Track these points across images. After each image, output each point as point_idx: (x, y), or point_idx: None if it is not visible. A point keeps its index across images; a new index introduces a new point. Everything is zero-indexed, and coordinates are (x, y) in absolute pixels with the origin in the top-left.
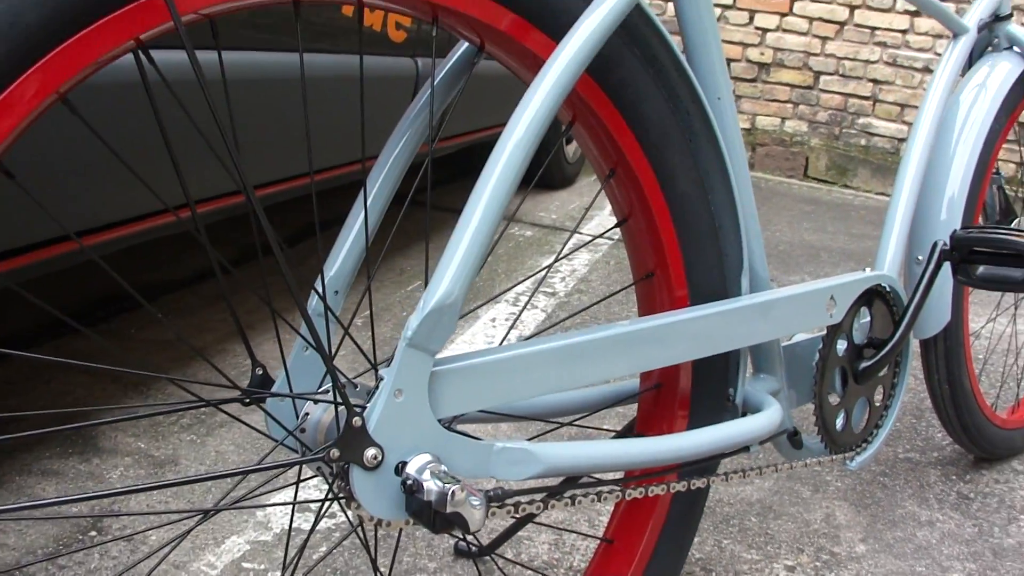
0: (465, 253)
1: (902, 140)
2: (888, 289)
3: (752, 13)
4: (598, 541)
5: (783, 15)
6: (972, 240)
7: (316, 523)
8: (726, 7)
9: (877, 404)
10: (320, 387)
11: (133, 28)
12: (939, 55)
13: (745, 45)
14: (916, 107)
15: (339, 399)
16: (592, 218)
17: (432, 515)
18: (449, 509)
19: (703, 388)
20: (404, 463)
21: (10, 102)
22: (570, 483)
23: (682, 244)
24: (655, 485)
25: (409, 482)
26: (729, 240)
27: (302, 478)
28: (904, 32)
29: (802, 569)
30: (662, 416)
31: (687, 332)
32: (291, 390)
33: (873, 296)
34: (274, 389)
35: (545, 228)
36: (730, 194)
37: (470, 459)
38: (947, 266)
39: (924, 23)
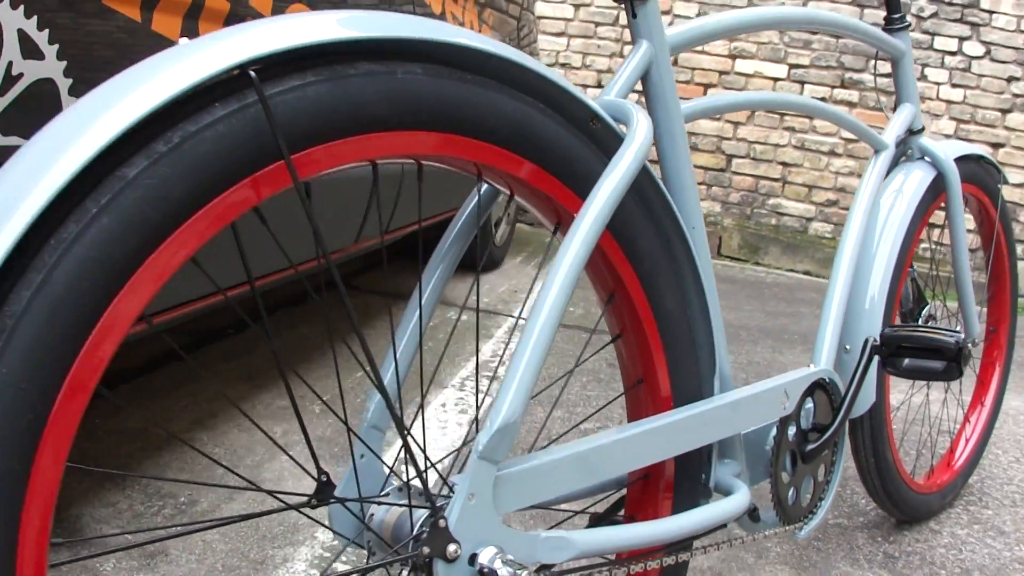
0: (521, 379)
1: (810, 219)
2: (828, 381)
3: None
4: None
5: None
6: (899, 337)
7: None
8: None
9: (820, 480)
10: (382, 491)
11: (258, 193)
12: (843, 139)
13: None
14: (823, 188)
15: (430, 504)
16: (520, 301)
17: None
18: None
19: (684, 475)
20: (475, 555)
21: (155, 264)
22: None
23: (667, 355)
24: (652, 560)
25: (485, 571)
26: (704, 349)
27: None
28: (811, 118)
29: None
30: (650, 500)
31: (681, 429)
32: (360, 494)
33: (816, 388)
34: (341, 493)
35: (481, 312)
36: (705, 310)
37: (523, 548)
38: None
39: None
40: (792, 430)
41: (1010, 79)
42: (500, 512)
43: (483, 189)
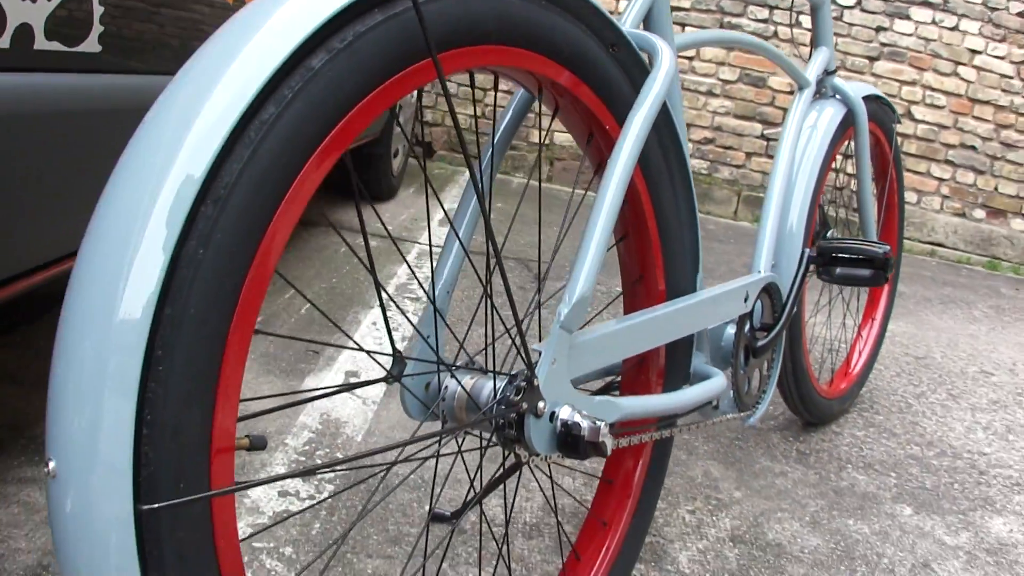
0: (591, 260)
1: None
2: (773, 286)
3: None
4: (598, 481)
5: None
6: (833, 248)
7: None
8: None
9: (764, 373)
10: (454, 363)
11: (411, 84)
12: (720, 80)
13: None
14: (700, 126)
15: (527, 368)
16: (423, 229)
17: (583, 446)
18: (599, 439)
19: (672, 360)
20: (554, 412)
21: (334, 140)
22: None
23: (664, 254)
24: (664, 431)
25: (569, 423)
26: (690, 250)
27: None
28: (691, 59)
29: (700, 511)
30: (643, 383)
31: (689, 312)
32: (439, 367)
33: (764, 291)
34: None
35: (386, 239)
36: (693, 214)
37: (584, 406)
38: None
39: (708, 52)
40: (747, 327)
41: (878, 28)
42: (571, 376)
43: (518, 101)
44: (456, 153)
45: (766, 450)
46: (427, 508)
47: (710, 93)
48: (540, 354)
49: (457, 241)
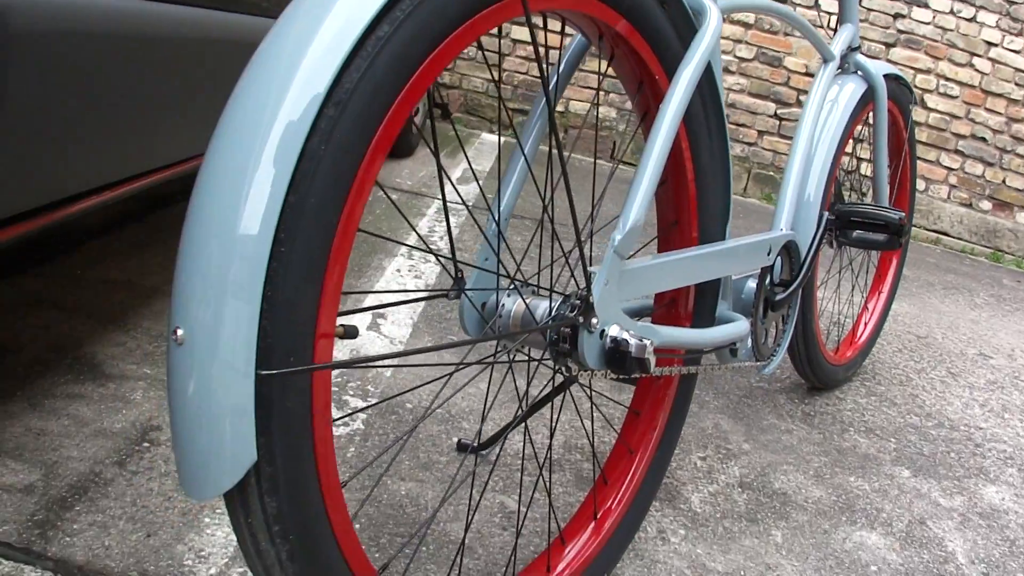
0: (643, 193)
1: None
2: (792, 243)
3: None
4: (627, 411)
5: None
6: (850, 212)
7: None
8: None
9: (780, 327)
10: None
11: (498, 18)
12: (737, 57)
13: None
14: None
15: (584, 287)
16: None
17: (629, 361)
18: (645, 355)
19: (700, 302)
20: (604, 330)
21: (436, 58)
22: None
23: (699, 200)
24: (689, 366)
25: (618, 339)
26: (722, 200)
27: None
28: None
29: (711, 459)
30: (675, 321)
31: (716, 257)
32: (498, 285)
33: (784, 249)
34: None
35: (408, 193)
36: (727, 169)
37: (630, 327)
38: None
39: (726, 30)
40: (768, 281)
41: (896, 15)
42: (621, 299)
43: (575, 45)
44: (471, 116)
45: (773, 409)
46: (455, 440)
47: (726, 70)
48: (594, 275)
49: (522, 158)
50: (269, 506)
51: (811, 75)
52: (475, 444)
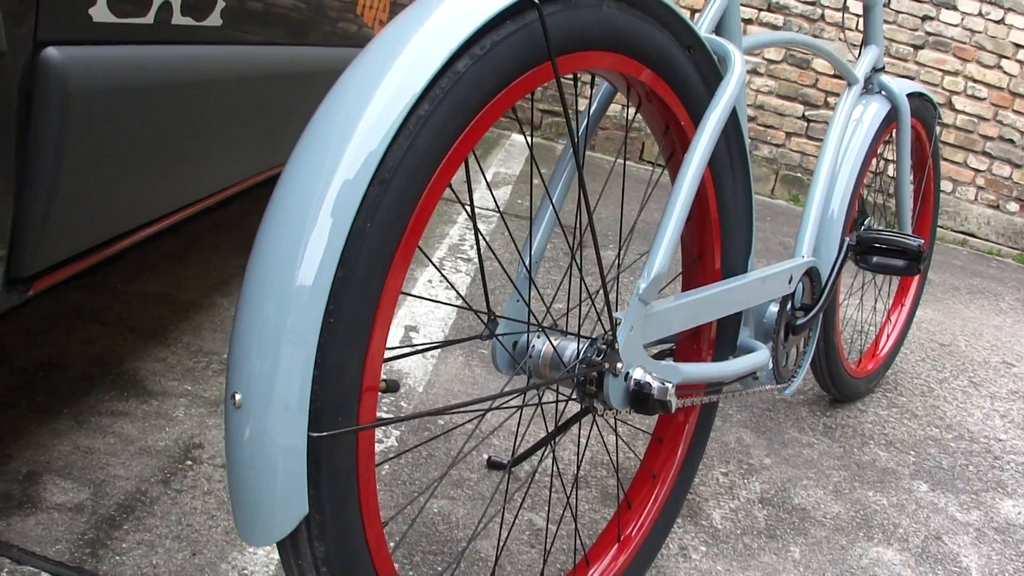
0: (667, 241)
1: None
2: (815, 270)
3: None
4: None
5: None
6: (871, 239)
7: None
8: None
9: (801, 349)
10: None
11: (532, 84)
12: (766, 59)
13: None
14: None
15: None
16: (475, 190)
17: (652, 403)
18: (666, 398)
19: (722, 333)
20: (628, 373)
21: (472, 131)
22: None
23: (722, 235)
24: (711, 396)
25: (642, 383)
26: (744, 233)
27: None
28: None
29: (732, 474)
30: (695, 352)
31: (738, 292)
32: (528, 328)
33: (806, 274)
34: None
35: (441, 199)
36: (749, 205)
37: (653, 369)
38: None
39: (754, 31)
40: (789, 306)
41: (924, 17)
42: (643, 341)
43: (603, 92)
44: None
45: (795, 422)
46: (485, 457)
47: (754, 71)
48: (620, 321)
49: (551, 208)
50: (318, 550)
51: (839, 77)
52: (506, 462)
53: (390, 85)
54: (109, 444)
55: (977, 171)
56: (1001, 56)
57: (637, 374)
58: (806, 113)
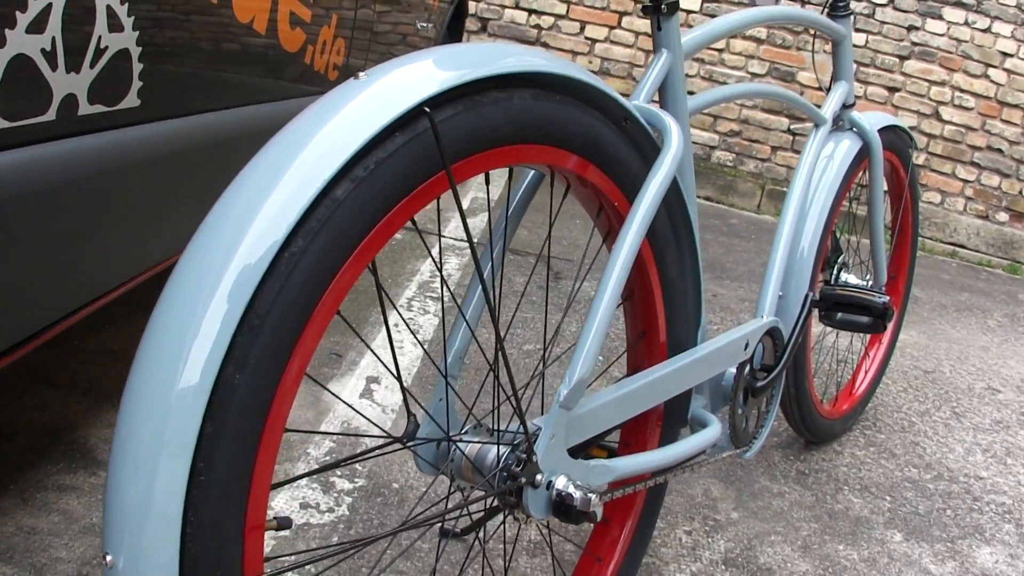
0: (590, 344)
1: (713, 147)
2: (776, 329)
3: (583, 24)
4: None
5: (611, 28)
6: (835, 296)
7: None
8: (559, 16)
9: (763, 410)
10: (462, 429)
11: (429, 196)
12: (749, 72)
13: (575, 53)
14: (727, 118)
15: (526, 444)
16: (448, 221)
17: (575, 514)
18: (590, 509)
19: (671, 409)
20: (551, 482)
21: (353, 263)
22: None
23: (667, 312)
24: (659, 479)
25: (563, 494)
26: (693, 306)
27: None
28: (720, 51)
29: (696, 533)
30: (642, 430)
31: (684, 371)
32: (447, 434)
33: (767, 334)
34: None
35: (411, 231)
36: (697, 272)
37: (580, 473)
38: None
39: (738, 44)
40: (747, 370)
41: (910, 27)
42: (568, 446)
43: (529, 179)
44: None
45: (767, 469)
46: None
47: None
48: (539, 429)
49: (464, 323)
50: None
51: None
52: (457, 530)
53: (260, 221)
54: (53, 523)
55: (966, 181)
56: (988, 65)
57: (560, 483)
58: (791, 127)
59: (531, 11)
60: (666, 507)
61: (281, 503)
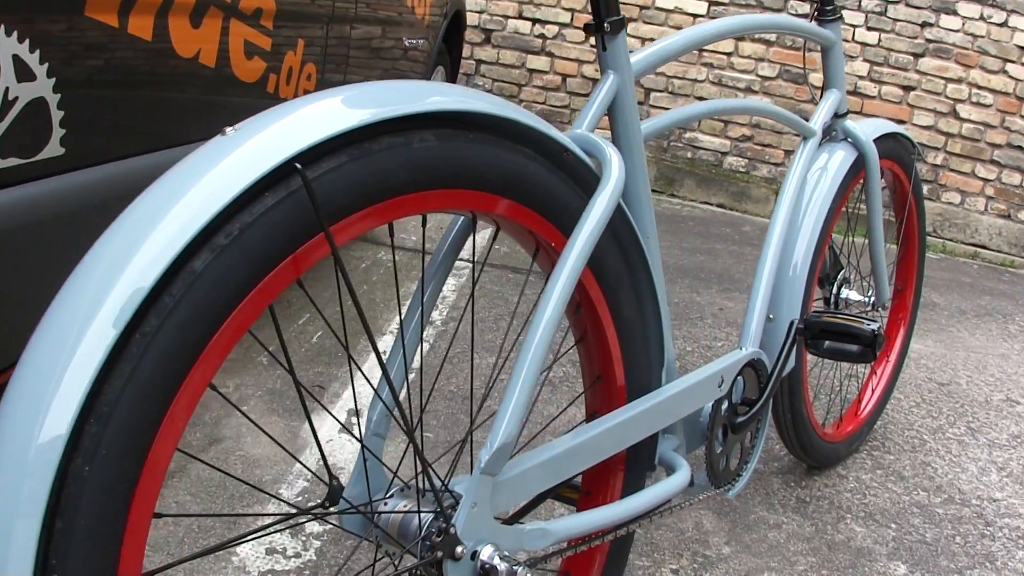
0: (515, 404)
1: (724, 153)
2: (757, 360)
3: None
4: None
5: None
6: (821, 324)
7: None
8: (564, 25)
9: (747, 445)
10: (387, 491)
11: (312, 259)
12: (759, 76)
13: (581, 62)
14: (738, 123)
15: (441, 515)
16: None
17: None
18: None
19: (635, 453)
20: (476, 552)
21: (220, 339)
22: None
23: (624, 355)
24: (608, 535)
25: (487, 567)
26: (654, 345)
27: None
28: (729, 55)
29: (684, 571)
30: (605, 475)
31: (637, 421)
32: (370, 498)
33: (746, 367)
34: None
35: (409, 251)
36: (657, 311)
37: (512, 540)
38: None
39: (748, 47)
40: (725, 406)
41: (924, 24)
42: (495, 512)
43: (458, 224)
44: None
45: (764, 497)
46: None
47: (749, 89)
48: (460, 498)
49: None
50: None
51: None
52: None
53: (107, 299)
54: None
55: (986, 180)
56: (1006, 60)
57: (485, 554)
58: None
59: (535, 20)
60: (653, 543)
61: (248, 548)
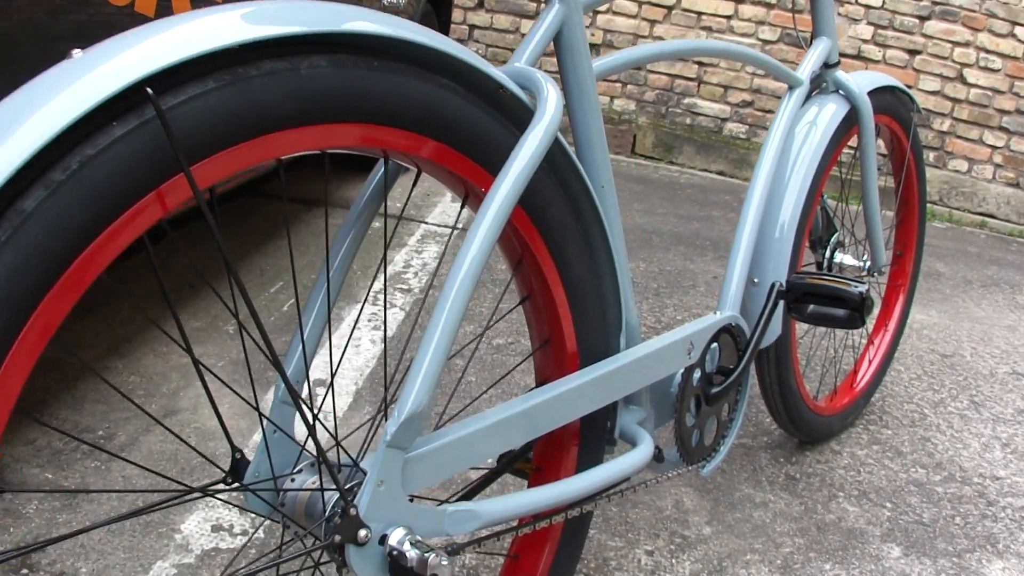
0: (427, 368)
1: (724, 119)
2: (735, 326)
3: None
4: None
5: None
6: (804, 286)
7: None
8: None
9: (724, 419)
10: (296, 466)
11: (173, 202)
12: (760, 40)
13: None
14: (738, 88)
15: (340, 493)
16: (434, 205)
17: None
18: (428, 572)
19: (590, 425)
20: (385, 536)
21: (60, 290)
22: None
23: (574, 316)
24: (558, 515)
25: (394, 553)
26: (611, 306)
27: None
28: (729, 18)
29: (659, 552)
30: (556, 449)
31: (587, 391)
32: (273, 473)
33: (722, 333)
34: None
35: (391, 218)
36: (612, 268)
37: (430, 523)
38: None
39: (748, 10)
40: (697, 375)
41: None
42: (409, 491)
43: (380, 170)
44: None
45: (751, 474)
46: None
47: None
48: (364, 475)
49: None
50: None
51: (843, 53)
52: None
53: None
54: None
55: (994, 148)
56: (1014, 23)
57: (394, 538)
58: None
59: None
60: (628, 522)
61: (192, 524)
